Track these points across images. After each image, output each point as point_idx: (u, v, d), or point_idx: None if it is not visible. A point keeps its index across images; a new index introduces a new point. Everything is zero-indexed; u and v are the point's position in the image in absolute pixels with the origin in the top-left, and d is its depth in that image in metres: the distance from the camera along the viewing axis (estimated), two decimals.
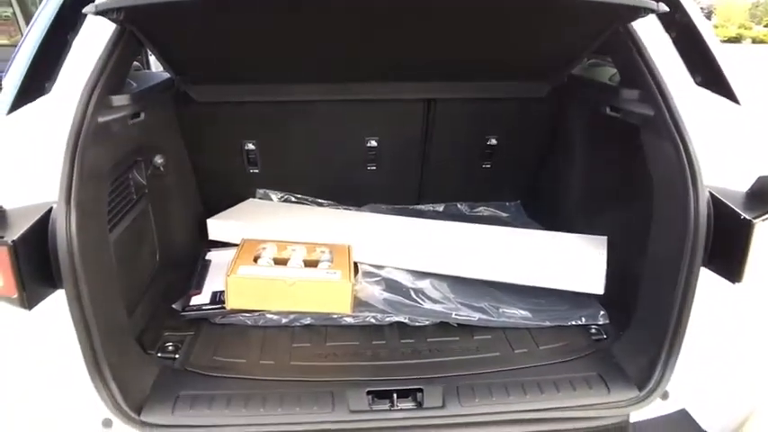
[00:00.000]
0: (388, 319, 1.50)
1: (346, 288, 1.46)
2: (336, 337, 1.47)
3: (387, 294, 1.52)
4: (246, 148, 1.94)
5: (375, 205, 2.12)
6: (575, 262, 1.58)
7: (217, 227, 1.87)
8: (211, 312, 1.51)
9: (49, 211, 1.11)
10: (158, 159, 1.62)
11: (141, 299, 1.49)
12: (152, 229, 1.61)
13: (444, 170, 2.08)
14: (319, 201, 2.12)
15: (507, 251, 1.64)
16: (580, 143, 1.84)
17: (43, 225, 1.10)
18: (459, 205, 2.19)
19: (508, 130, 1.98)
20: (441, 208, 2.18)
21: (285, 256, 1.64)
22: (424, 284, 1.59)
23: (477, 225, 1.85)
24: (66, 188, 1.12)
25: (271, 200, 2.08)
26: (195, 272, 1.69)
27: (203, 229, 1.87)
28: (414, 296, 1.53)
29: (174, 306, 1.53)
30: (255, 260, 1.57)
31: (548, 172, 2.05)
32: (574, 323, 1.53)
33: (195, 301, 1.54)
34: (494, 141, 2.01)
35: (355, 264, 1.61)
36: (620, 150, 1.57)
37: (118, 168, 1.40)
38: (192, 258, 1.77)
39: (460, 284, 1.61)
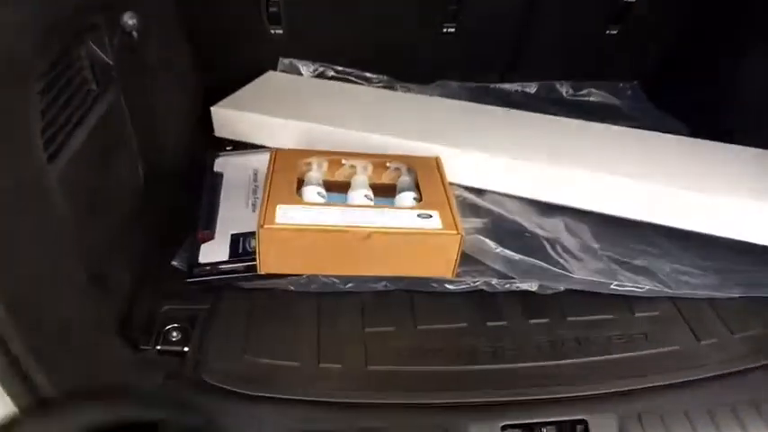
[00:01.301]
0: (507, 285, 0.98)
1: (452, 244, 0.90)
2: (430, 315, 0.95)
3: (504, 250, 0.97)
4: None
5: (444, 83, 1.51)
6: None
7: (226, 118, 1.28)
8: (235, 277, 0.97)
9: None
10: (129, 20, 0.96)
11: (120, 250, 0.94)
12: (129, 132, 1.00)
13: (552, 35, 1.44)
14: (367, 75, 1.49)
15: (705, 182, 1.06)
16: None
17: None
18: (558, 85, 1.57)
19: None
20: (533, 88, 1.57)
21: (341, 177, 1.07)
22: (554, 226, 1.05)
23: (629, 130, 1.25)
24: None
25: (300, 74, 1.46)
26: (201, 195, 1.12)
27: (207, 123, 1.28)
28: (550, 251, 0.99)
29: (174, 263, 0.99)
30: (298, 187, 1.00)
31: (708, 46, 1.41)
32: None
33: (206, 254, 0.98)
34: None
35: None
36: None
37: (53, 42, 0.77)
38: (193, 169, 1.19)
39: (604, 224, 1.07)
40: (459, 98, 1.43)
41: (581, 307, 0.98)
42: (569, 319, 0.96)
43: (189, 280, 0.95)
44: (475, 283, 0.97)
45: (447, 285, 0.98)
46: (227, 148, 1.28)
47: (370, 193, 1.00)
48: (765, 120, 1.22)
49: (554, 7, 1.36)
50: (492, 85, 1.55)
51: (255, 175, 1.19)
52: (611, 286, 0.96)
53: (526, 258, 0.94)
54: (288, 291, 0.97)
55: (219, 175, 1.18)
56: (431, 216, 0.93)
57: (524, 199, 1.09)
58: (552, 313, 0.96)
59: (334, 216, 0.91)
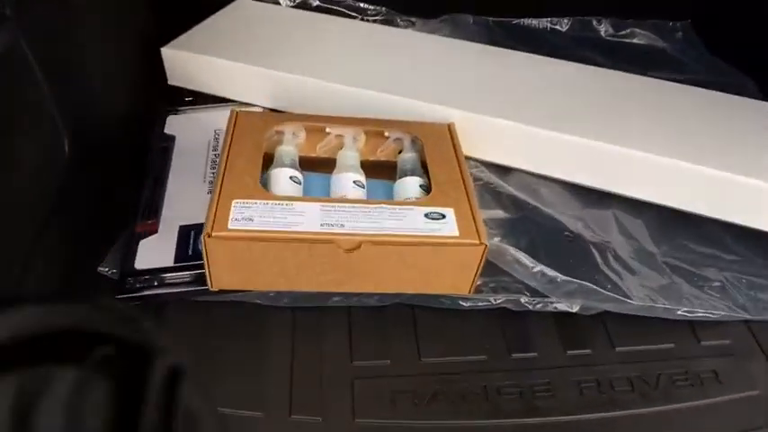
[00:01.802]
0: (539, 306, 0.75)
1: (473, 257, 0.67)
2: (438, 342, 0.73)
3: (544, 268, 0.73)
4: None
5: (456, 16, 1.23)
6: None
7: (181, 62, 1.00)
8: (182, 292, 0.73)
9: None
10: None
11: (32, 257, 0.70)
12: (41, 93, 0.74)
13: None
14: (361, 5, 1.21)
15: None
16: None
17: None
18: (595, 22, 1.29)
19: None
20: (564, 26, 1.29)
21: (323, 153, 0.82)
22: (603, 222, 0.81)
23: (692, 90, 0.99)
24: None
25: (278, 3, 1.17)
26: (147, 171, 0.87)
27: (159, 70, 1.01)
28: (599, 261, 0.75)
29: (100, 269, 0.75)
30: (265, 167, 0.75)
31: None
32: None
33: (145, 256, 0.74)
34: None
35: None
36: None
37: None
38: (141, 133, 0.94)
39: (661, 217, 0.83)
40: (474, 38, 1.16)
41: (632, 331, 0.75)
42: (618, 349, 0.74)
43: (119, 297, 0.71)
44: (497, 301, 0.74)
45: (461, 302, 0.75)
46: (187, 100, 1.02)
47: (362, 178, 0.76)
48: None
49: None
50: (514, 21, 1.27)
51: (218, 138, 0.94)
52: (679, 312, 0.73)
53: (571, 279, 0.71)
54: (253, 304, 0.74)
55: (171, 140, 0.93)
56: (443, 216, 0.68)
57: (563, 182, 0.85)
58: (597, 341, 0.74)
59: (310, 216, 0.67)
